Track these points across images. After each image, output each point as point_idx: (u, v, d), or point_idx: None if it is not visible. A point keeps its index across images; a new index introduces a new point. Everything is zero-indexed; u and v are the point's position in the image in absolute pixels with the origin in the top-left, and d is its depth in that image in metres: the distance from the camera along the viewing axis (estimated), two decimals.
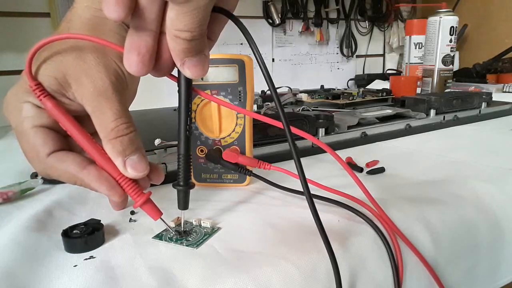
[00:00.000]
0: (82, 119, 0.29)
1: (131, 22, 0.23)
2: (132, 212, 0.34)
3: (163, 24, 0.23)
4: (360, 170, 0.45)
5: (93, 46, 0.28)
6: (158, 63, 0.24)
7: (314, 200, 0.35)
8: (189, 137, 0.28)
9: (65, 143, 0.29)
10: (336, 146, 0.55)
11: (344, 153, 0.51)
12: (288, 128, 0.26)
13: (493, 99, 0.80)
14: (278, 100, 0.26)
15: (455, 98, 0.71)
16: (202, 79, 0.38)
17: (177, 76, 0.27)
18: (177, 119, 0.28)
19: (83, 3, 0.29)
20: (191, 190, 0.30)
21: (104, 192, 0.28)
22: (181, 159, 0.29)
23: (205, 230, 0.31)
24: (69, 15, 0.30)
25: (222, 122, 0.39)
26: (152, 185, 0.31)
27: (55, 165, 0.28)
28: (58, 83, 0.27)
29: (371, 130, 0.59)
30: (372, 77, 1.34)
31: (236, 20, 0.25)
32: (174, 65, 0.24)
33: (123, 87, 0.29)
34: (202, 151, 0.40)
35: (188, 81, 0.27)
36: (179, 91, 0.27)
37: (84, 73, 0.27)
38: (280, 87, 1.01)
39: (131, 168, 0.28)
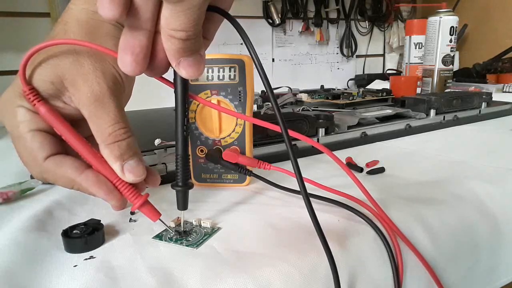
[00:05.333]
0: (77, 123, 0.29)
1: (126, 21, 0.22)
2: (132, 212, 0.34)
3: (158, 23, 0.22)
4: (360, 170, 0.45)
5: (90, 50, 0.28)
6: (153, 62, 0.24)
7: (314, 200, 0.35)
8: (187, 138, 0.28)
9: (62, 147, 0.29)
10: (336, 146, 0.55)
11: (344, 153, 0.51)
12: (286, 131, 0.26)
13: (493, 99, 0.80)
14: (275, 100, 0.26)
15: (455, 98, 0.71)
16: (204, 79, 0.38)
17: (169, 79, 0.27)
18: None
19: (80, 5, 0.29)
20: (191, 190, 0.30)
21: (102, 197, 0.28)
22: (179, 159, 0.28)
23: (205, 230, 0.31)
24: (65, 16, 0.29)
25: (222, 122, 0.39)
26: None
27: (52, 169, 0.28)
28: (54, 88, 0.27)
29: (371, 130, 0.59)
30: (372, 77, 1.34)
31: (232, 19, 0.25)
32: (169, 65, 0.24)
33: (120, 91, 0.29)
34: (202, 151, 0.40)
35: (184, 81, 0.27)
36: (175, 92, 0.27)
37: (82, 77, 0.27)
38: (280, 87, 1.01)
39: (129, 172, 0.28)
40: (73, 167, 0.28)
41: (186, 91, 0.27)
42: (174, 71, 0.25)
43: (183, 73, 0.24)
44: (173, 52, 0.23)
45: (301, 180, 0.26)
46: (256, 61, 0.25)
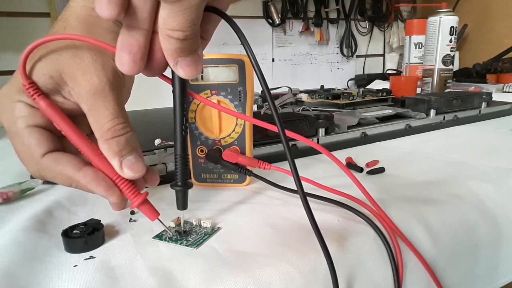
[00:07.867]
0: (77, 118, 0.29)
1: (124, 20, 0.22)
2: (132, 212, 0.34)
3: (156, 23, 0.22)
4: (360, 170, 0.45)
5: (90, 44, 0.28)
6: (150, 62, 0.24)
7: (314, 200, 0.35)
8: (185, 137, 0.28)
9: (59, 144, 0.29)
10: (336, 146, 0.55)
11: (344, 153, 0.51)
12: (282, 130, 0.26)
13: (493, 99, 0.80)
14: (271, 99, 0.26)
15: (455, 98, 0.71)
16: (202, 78, 0.38)
17: (169, 77, 0.27)
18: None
19: (80, 2, 0.29)
20: (191, 190, 0.30)
21: (101, 194, 0.28)
22: (178, 159, 0.28)
23: (205, 230, 0.31)
24: (65, 14, 0.29)
25: (222, 122, 0.39)
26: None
27: (50, 166, 0.28)
28: (53, 82, 0.27)
29: (371, 130, 0.59)
30: (372, 77, 1.34)
31: (229, 20, 0.25)
32: (167, 64, 0.24)
33: (120, 85, 0.29)
34: (202, 151, 0.40)
35: (182, 80, 0.27)
36: (173, 92, 0.27)
37: (81, 71, 0.27)
38: (280, 87, 1.01)
39: (128, 168, 0.27)
40: (71, 164, 0.28)
41: (184, 91, 0.27)
42: (172, 71, 0.25)
43: (181, 73, 0.24)
44: (170, 52, 0.23)
45: (298, 180, 0.26)
46: (254, 62, 0.25)
